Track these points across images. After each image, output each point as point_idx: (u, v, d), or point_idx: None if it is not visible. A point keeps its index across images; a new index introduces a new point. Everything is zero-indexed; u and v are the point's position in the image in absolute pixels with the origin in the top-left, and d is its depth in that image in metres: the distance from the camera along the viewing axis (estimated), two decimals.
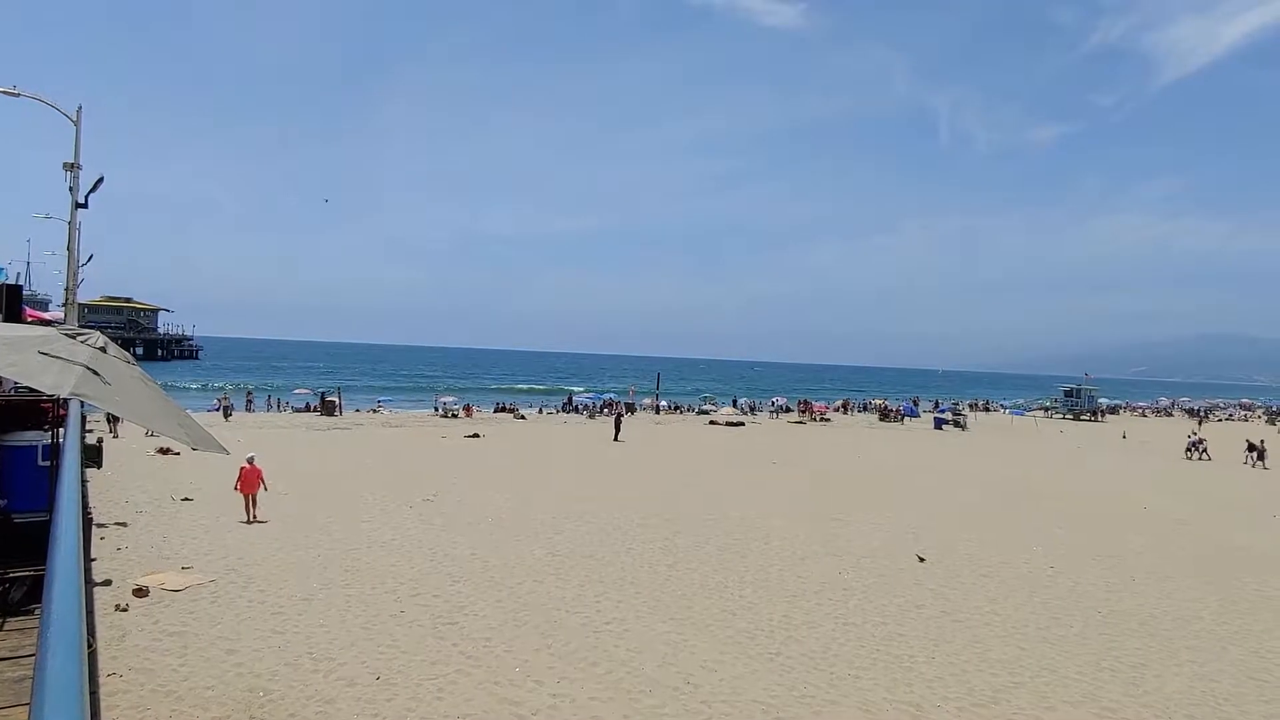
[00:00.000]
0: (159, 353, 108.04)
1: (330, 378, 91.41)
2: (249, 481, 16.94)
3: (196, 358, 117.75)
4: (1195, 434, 45.81)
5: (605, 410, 57.94)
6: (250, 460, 17.21)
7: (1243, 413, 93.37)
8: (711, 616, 11.68)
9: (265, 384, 72.47)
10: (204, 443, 4.45)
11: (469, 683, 8.93)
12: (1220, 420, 79.20)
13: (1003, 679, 9.78)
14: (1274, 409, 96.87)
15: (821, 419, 60.61)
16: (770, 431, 48.53)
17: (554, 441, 37.10)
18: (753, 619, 11.64)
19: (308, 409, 50.79)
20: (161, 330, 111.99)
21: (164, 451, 26.08)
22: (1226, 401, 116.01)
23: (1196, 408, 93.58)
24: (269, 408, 52.79)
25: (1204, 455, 40.56)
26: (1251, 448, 39.06)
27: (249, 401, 51.45)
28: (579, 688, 8.93)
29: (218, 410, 43.65)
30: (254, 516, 16.80)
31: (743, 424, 52.33)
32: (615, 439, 37.75)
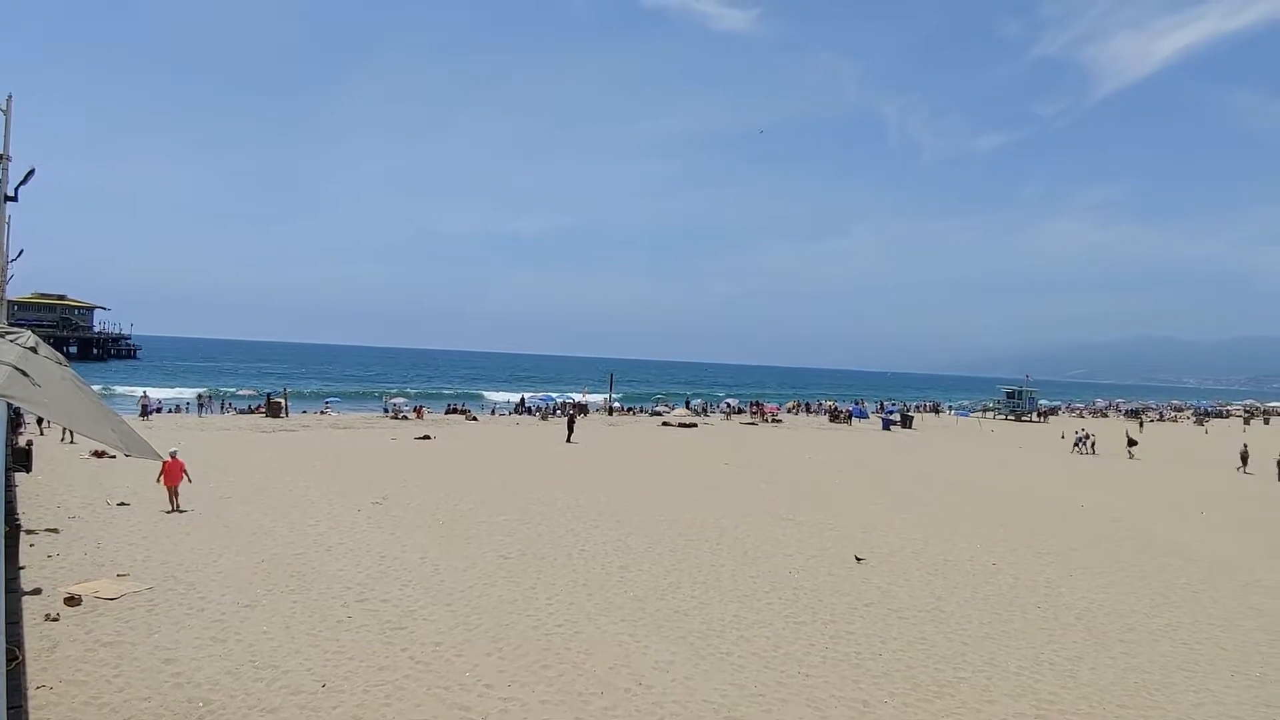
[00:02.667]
0: (94, 352, 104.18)
1: (277, 378, 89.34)
2: (171, 474, 17.55)
3: (135, 358, 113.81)
4: (1082, 430, 49.92)
5: (558, 412, 57.71)
6: (173, 454, 17.89)
7: (1173, 413, 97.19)
8: (663, 617, 11.72)
9: (208, 385, 70.45)
10: (137, 448, 4.30)
11: (418, 688, 8.81)
12: (1153, 420, 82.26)
13: (947, 673, 10.02)
14: (1202, 410, 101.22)
15: (773, 420, 61.29)
16: (722, 433, 48.88)
17: (506, 443, 36.80)
18: (704, 619, 11.71)
19: (251, 410, 49.51)
20: (97, 329, 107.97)
21: (99, 454, 25.15)
22: (1158, 403, 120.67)
23: (1135, 409, 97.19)
24: (217, 409, 51.20)
25: (1091, 450, 44.19)
26: (1131, 442, 43.72)
27: (200, 405, 49.55)
28: (530, 691, 8.88)
29: (137, 412, 42.47)
30: (176, 507, 17.48)
31: (695, 425, 52.60)
32: (568, 440, 37.63)
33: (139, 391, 52.40)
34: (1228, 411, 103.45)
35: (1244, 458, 38.52)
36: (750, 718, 8.50)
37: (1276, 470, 34.96)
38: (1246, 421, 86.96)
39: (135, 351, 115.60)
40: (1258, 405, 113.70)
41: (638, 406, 68.66)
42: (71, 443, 27.99)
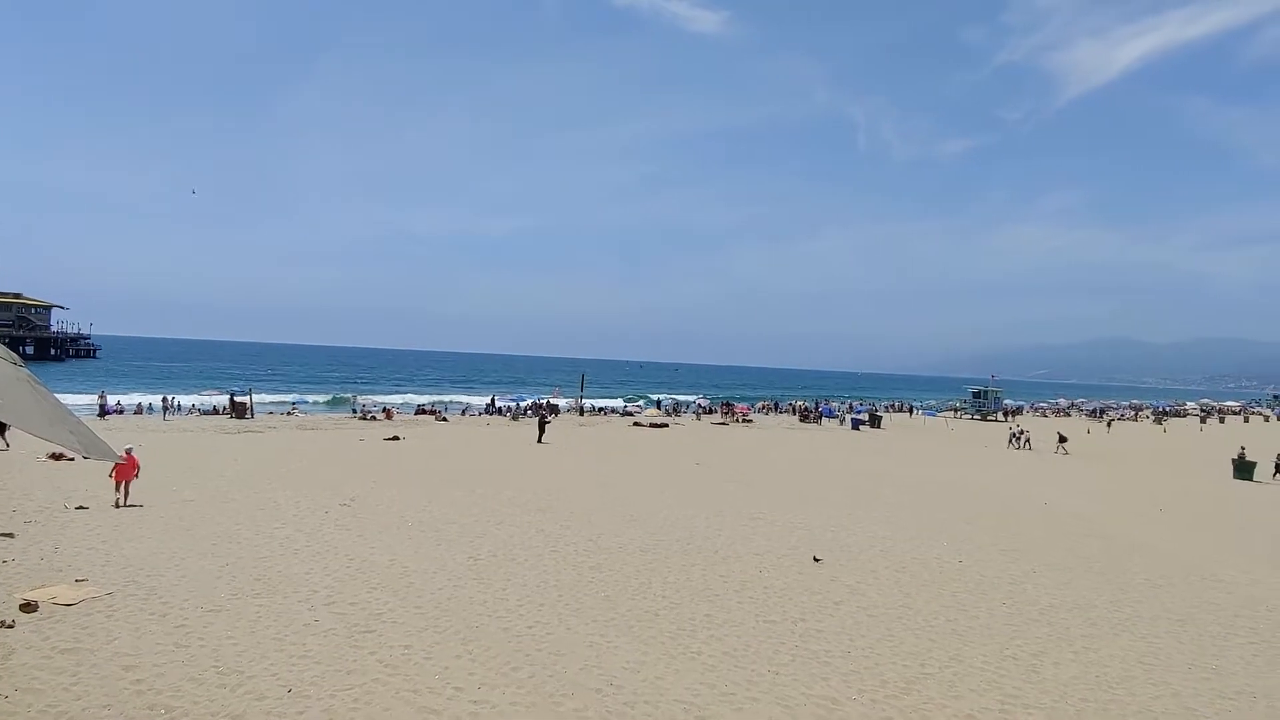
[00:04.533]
0: (52, 352, 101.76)
1: (242, 379, 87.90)
2: (123, 470, 17.92)
3: (94, 357, 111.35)
4: (1017, 426, 53.32)
5: (529, 412, 57.48)
6: (128, 451, 18.29)
7: (1133, 413, 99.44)
8: (634, 617, 11.72)
9: (170, 386, 69.09)
10: (96, 450, 4.20)
11: (386, 692, 8.71)
12: (1116, 419, 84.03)
13: (914, 670, 10.14)
14: (1160, 409, 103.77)
15: (743, 420, 61.60)
16: (693, 433, 49.01)
17: (476, 444, 36.55)
18: (675, 619, 11.74)
19: (216, 411, 48.62)
20: (55, 328, 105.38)
21: (56, 457, 24.53)
22: (1118, 402, 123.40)
23: (1098, 408, 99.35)
24: (182, 411, 49.94)
25: (1026, 445, 46.06)
26: (1061, 439, 46.00)
27: (165, 408, 47.81)
28: (500, 694, 8.82)
29: (96, 412, 41.56)
30: (122, 503, 17.90)
31: (666, 425, 52.71)
32: (539, 440, 37.47)
33: (96, 398, 51.06)
34: (1185, 411, 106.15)
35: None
36: (721, 716, 8.53)
37: (1232, 469, 35.91)
38: (1203, 421, 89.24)
39: (94, 351, 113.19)
40: (1212, 404, 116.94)
41: (609, 407, 68.60)
42: (4, 449, 27.06)
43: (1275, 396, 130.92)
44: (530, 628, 11.04)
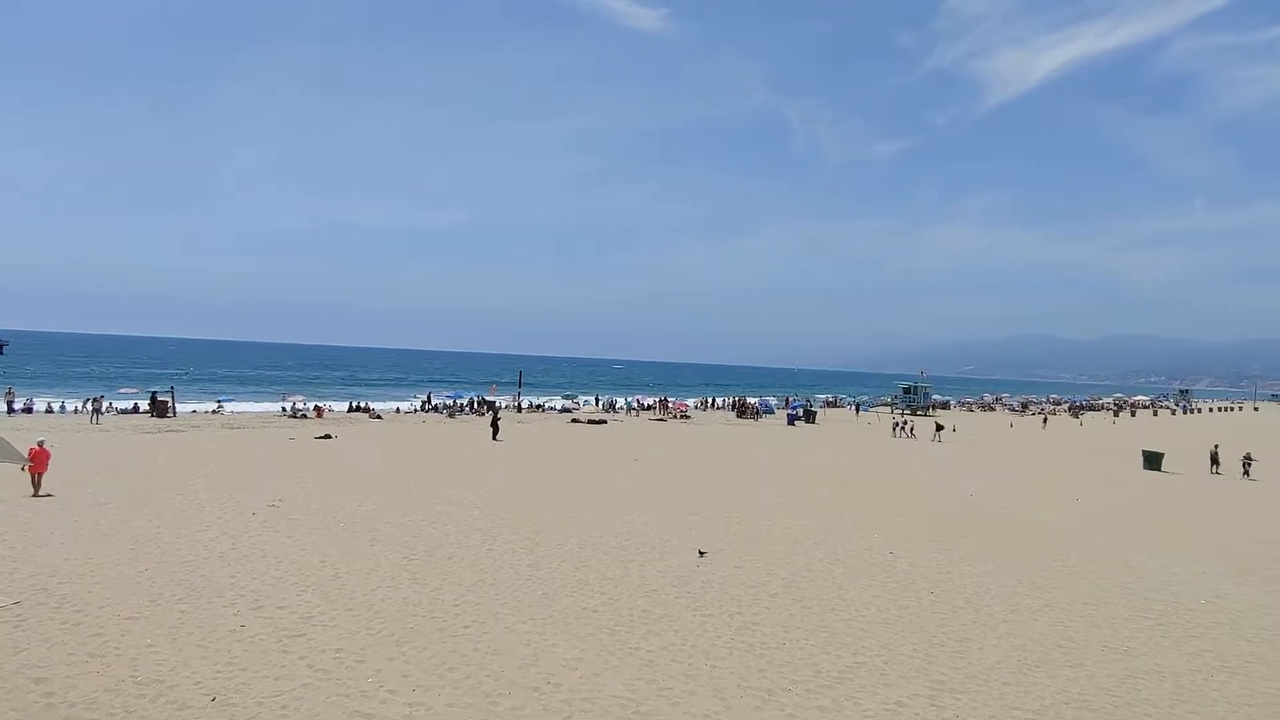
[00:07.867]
0: None
1: (164, 375, 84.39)
2: (37, 462, 18.50)
3: (0, 353, 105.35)
4: (901, 416, 58.05)
5: (466, 409, 56.75)
6: (40, 443, 19.17)
7: (1051, 406, 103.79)
8: (572, 614, 11.69)
9: (87, 383, 65.78)
10: (0, 453, 3.97)
11: (317, 697, 8.49)
12: (1035, 414, 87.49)
13: (847, 660, 10.39)
14: (1077, 403, 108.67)
15: (681, 416, 62.01)
16: (631, 429, 49.12)
17: (412, 442, 35.89)
18: (613, 614, 11.75)
19: (135, 410, 46.52)
20: None
21: None
22: (1038, 397, 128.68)
23: (1019, 403, 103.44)
24: (108, 412, 47.20)
25: (910, 434, 50.12)
26: (938, 427, 50.78)
27: (95, 410, 42.01)
28: (436, 695, 8.69)
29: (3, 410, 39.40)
30: (37, 492, 18.36)
31: (604, 422, 52.71)
32: (494, 438, 37.13)
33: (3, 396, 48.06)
34: (1100, 405, 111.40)
35: (1214, 458, 36.58)
36: (658, 711, 8.58)
37: (1142, 460, 37.74)
38: (1115, 415, 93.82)
39: (1, 347, 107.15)
40: (1125, 399, 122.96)
41: (547, 403, 68.19)
42: None
43: (1181, 391, 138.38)
44: (466, 627, 10.91)
